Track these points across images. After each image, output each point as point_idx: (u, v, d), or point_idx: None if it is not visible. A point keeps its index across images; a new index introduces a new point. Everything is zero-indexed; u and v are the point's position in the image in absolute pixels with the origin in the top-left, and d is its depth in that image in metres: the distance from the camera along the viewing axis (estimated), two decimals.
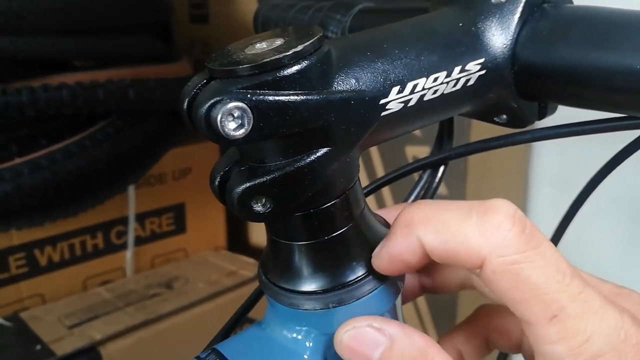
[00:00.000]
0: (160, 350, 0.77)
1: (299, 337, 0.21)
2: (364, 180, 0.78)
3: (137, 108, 0.74)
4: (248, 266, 0.92)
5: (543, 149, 0.80)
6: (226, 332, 0.26)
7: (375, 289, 0.20)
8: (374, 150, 0.77)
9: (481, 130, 0.61)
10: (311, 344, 0.21)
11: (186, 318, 0.81)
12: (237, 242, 1.08)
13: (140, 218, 0.92)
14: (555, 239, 0.29)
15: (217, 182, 0.19)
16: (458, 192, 0.73)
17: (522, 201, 0.82)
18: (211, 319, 0.83)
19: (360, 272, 0.20)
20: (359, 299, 0.20)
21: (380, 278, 0.21)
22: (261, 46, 0.18)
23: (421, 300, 0.77)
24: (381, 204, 0.78)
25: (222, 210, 1.02)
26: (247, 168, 0.19)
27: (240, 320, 0.26)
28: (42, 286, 0.83)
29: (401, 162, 0.80)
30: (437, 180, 0.26)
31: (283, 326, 0.21)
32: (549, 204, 0.81)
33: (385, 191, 0.78)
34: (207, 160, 0.97)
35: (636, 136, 0.23)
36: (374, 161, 0.78)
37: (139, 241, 0.92)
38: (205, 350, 0.22)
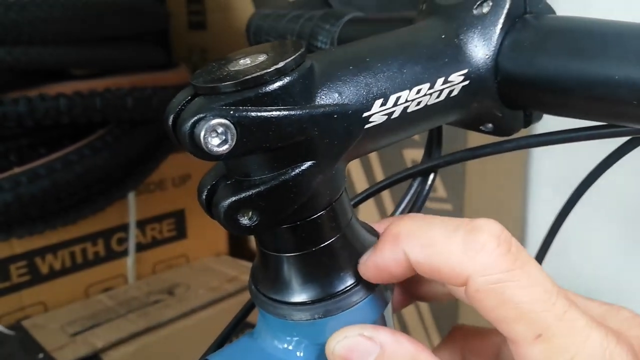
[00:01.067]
0: (162, 357, 0.78)
1: (290, 347, 0.21)
2: (362, 184, 0.78)
3: (135, 116, 0.74)
4: (249, 271, 0.92)
5: (542, 150, 0.80)
6: (222, 341, 0.26)
7: (364, 299, 0.21)
8: (373, 154, 0.77)
9: (478, 134, 0.61)
10: (302, 354, 0.21)
11: (188, 324, 0.81)
12: (238, 247, 1.08)
13: (141, 224, 0.92)
14: (548, 240, 0.30)
15: (204, 196, 0.19)
16: (456, 194, 0.74)
17: (521, 202, 0.82)
18: (213, 324, 0.83)
19: (348, 282, 0.21)
20: (347, 309, 0.20)
21: (369, 288, 0.21)
22: (245, 62, 0.18)
23: (423, 305, 0.77)
24: (381, 208, 0.79)
25: None
26: (233, 182, 0.19)
27: (235, 329, 0.26)
28: (43, 294, 0.83)
29: (400, 166, 0.80)
30: (427, 187, 0.26)
31: (274, 336, 0.22)
32: (549, 205, 0.81)
33: (386, 195, 0.78)
34: (206, 166, 0.96)
35: (623, 142, 0.23)
36: (373, 165, 0.78)
37: (140, 247, 0.92)
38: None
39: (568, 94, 0.20)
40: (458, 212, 0.74)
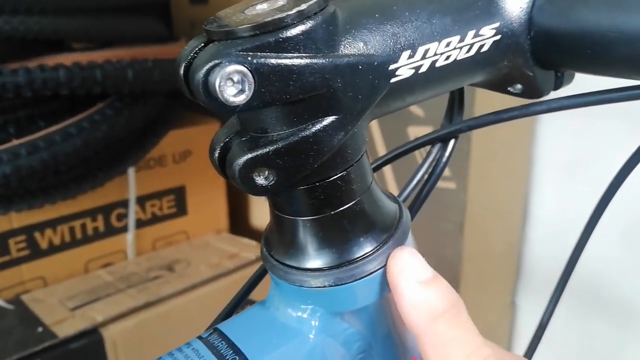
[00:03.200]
0: (162, 332, 0.77)
1: (304, 315, 0.20)
2: None
3: (136, 89, 0.72)
4: (250, 248, 0.91)
5: (548, 131, 0.79)
6: (228, 313, 0.25)
7: (381, 267, 0.19)
8: (375, 131, 0.76)
9: (484, 104, 0.60)
10: (317, 323, 0.20)
11: (188, 300, 0.80)
12: (239, 224, 1.07)
13: (141, 201, 0.91)
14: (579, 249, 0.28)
15: (217, 154, 0.18)
16: (461, 173, 0.73)
17: (525, 182, 0.81)
18: (213, 301, 0.82)
19: (366, 249, 0.19)
20: (363, 277, 0.19)
21: (384, 257, 0.20)
22: (262, 7, 0.17)
23: None
24: (383, 184, 0.77)
25: (224, 193, 1.01)
26: (249, 138, 0.18)
27: (242, 300, 0.25)
28: (43, 269, 0.83)
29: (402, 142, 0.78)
30: (447, 154, 0.25)
31: (287, 304, 0.20)
32: (553, 185, 0.80)
33: (387, 171, 0.77)
34: (207, 142, 0.95)
35: None
36: (376, 142, 0.77)
37: (140, 224, 0.91)
38: (208, 330, 0.21)
39: (609, 49, 0.18)
40: (461, 191, 0.73)
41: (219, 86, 0.15)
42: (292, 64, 0.16)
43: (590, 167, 0.71)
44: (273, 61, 0.16)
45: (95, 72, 0.66)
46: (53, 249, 0.83)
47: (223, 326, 0.21)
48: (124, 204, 0.89)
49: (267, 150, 0.17)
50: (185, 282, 0.82)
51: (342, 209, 0.19)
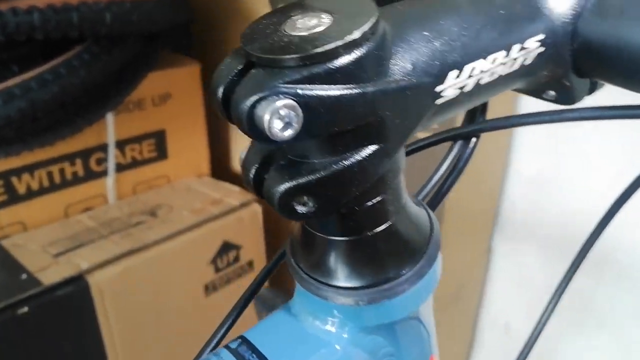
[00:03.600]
0: (147, 279, 0.78)
1: (332, 328, 0.20)
2: None
3: (114, 32, 0.68)
4: (233, 194, 0.91)
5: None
6: (237, 316, 0.25)
7: (409, 289, 0.19)
8: None
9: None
10: (345, 335, 0.20)
11: (172, 246, 0.80)
12: (220, 168, 1.06)
13: (120, 145, 0.89)
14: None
15: (251, 176, 0.17)
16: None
17: (507, 142, 0.82)
18: (197, 247, 0.83)
19: (401, 268, 0.19)
20: (392, 297, 0.19)
21: (415, 279, 0.20)
22: (305, 23, 0.15)
23: None
24: None
25: (205, 137, 0.99)
26: (288, 163, 0.17)
27: (249, 301, 0.25)
28: (22, 214, 0.81)
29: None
30: (467, 152, 0.24)
31: (315, 316, 0.20)
32: (534, 144, 0.81)
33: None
34: (187, 84, 0.93)
35: None
36: None
37: (120, 168, 0.89)
38: (235, 339, 0.21)
39: None
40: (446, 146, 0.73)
41: (268, 121, 0.14)
42: (343, 95, 0.15)
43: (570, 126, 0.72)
44: (323, 93, 0.14)
45: (72, 15, 0.62)
46: (31, 194, 0.81)
47: (250, 335, 0.21)
48: (103, 148, 0.87)
49: (310, 179, 0.16)
50: (169, 228, 0.82)
51: (377, 230, 0.18)
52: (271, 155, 0.17)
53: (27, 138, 0.69)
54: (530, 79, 0.20)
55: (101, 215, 0.87)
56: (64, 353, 0.72)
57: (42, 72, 0.64)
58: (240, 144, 1.04)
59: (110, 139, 0.87)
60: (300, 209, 0.16)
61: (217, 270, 0.85)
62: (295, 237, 0.21)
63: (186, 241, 0.81)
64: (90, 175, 0.86)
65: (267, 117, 0.14)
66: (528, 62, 0.19)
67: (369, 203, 0.18)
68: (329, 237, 0.19)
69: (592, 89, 0.21)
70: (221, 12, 0.96)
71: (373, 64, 0.15)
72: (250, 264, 0.89)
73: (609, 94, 0.22)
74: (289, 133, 0.14)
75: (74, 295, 0.71)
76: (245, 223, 0.88)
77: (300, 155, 0.17)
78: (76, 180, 0.85)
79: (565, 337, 0.74)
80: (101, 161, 0.87)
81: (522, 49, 0.18)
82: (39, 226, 0.83)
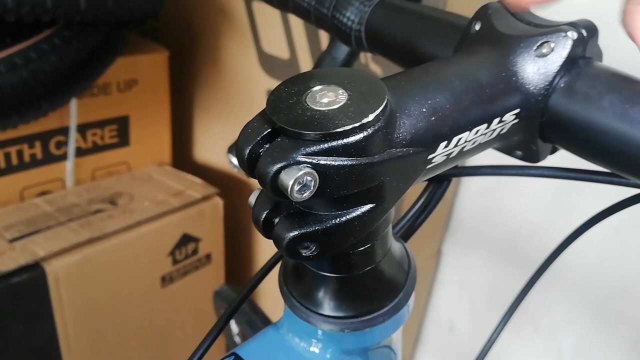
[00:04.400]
0: (105, 268, 0.78)
1: (317, 350, 0.23)
2: None
3: (87, 18, 0.68)
4: (195, 186, 0.91)
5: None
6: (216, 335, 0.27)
7: (388, 319, 0.22)
8: None
9: None
10: (328, 356, 0.23)
11: (132, 237, 0.80)
12: (181, 157, 1.06)
13: (82, 129, 0.88)
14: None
15: (261, 221, 0.19)
16: None
17: (448, 207, 0.87)
18: (157, 238, 0.83)
19: (383, 301, 0.22)
20: (373, 326, 0.22)
21: (394, 310, 0.22)
22: (324, 100, 0.18)
23: None
24: None
25: (168, 125, 0.99)
26: (296, 213, 0.19)
27: (224, 327, 0.27)
28: None
29: None
30: (439, 193, 0.27)
31: (301, 338, 0.23)
32: (474, 212, 0.86)
33: None
34: (154, 71, 0.93)
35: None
36: None
37: (80, 152, 0.88)
38: (226, 356, 0.23)
39: (608, 148, 0.21)
40: None
41: (291, 186, 0.16)
42: (354, 165, 0.17)
43: None
44: (338, 164, 0.17)
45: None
46: None
47: (241, 351, 0.23)
48: (64, 131, 0.85)
49: (317, 228, 0.18)
50: (130, 218, 0.82)
51: (365, 270, 0.21)
52: (280, 203, 0.20)
53: None
54: (502, 143, 0.23)
55: (59, 200, 0.86)
56: (15, 340, 0.71)
57: (11, 55, 0.62)
58: (202, 135, 1.04)
59: (73, 122, 0.86)
60: (304, 252, 0.19)
61: (175, 262, 0.86)
62: (288, 267, 0.23)
63: (146, 232, 0.82)
64: (49, 159, 0.85)
65: (290, 182, 0.16)
66: (504, 131, 0.22)
67: (361, 248, 0.20)
68: (321, 273, 0.21)
69: (553, 151, 0.25)
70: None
71: (381, 139, 0.18)
72: (208, 257, 0.91)
73: (565, 155, 0.25)
74: (305, 195, 0.17)
75: (30, 283, 0.71)
76: (206, 216, 0.89)
77: (308, 207, 0.19)
78: (34, 162, 0.84)
79: (502, 341, 0.79)
80: (61, 144, 0.86)
81: (501, 121, 0.21)
82: None
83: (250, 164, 0.18)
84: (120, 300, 0.81)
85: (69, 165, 0.89)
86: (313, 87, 0.18)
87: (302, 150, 0.17)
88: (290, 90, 0.18)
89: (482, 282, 0.89)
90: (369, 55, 0.70)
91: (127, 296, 0.82)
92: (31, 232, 0.77)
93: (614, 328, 0.73)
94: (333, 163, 0.17)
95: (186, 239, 0.88)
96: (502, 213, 0.84)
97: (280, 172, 0.17)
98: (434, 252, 0.95)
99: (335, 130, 0.17)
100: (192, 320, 0.92)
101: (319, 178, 0.17)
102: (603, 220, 0.28)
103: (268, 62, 0.85)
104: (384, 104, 0.17)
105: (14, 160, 0.82)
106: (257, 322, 0.52)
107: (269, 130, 0.18)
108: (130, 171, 0.96)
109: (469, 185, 0.88)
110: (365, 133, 0.17)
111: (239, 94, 0.93)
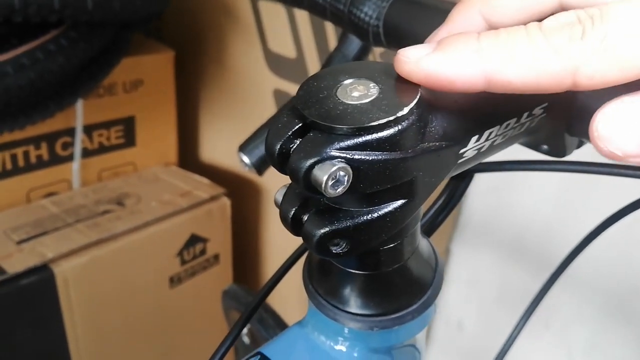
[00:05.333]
0: (113, 269, 0.78)
1: (343, 348, 0.22)
2: None
3: (94, 19, 0.67)
4: (202, 186, 0.91)
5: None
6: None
7: (416, 317, 0.22)
8: None
9: None
10: (355, 355, 0.22)
11: (140, 237, 0.80)
12: (188, 157, 1.06)
13: (88, 130, 0.87)
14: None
15: (290, 218, 0.19)
16: None
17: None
18: (165, 239, 0.83)
19: (411, 299, 0.22)
20: (401, 324, 0.22)
21: (422, 308, 0.22)
22: (353, 91, 0.18)
23: None
24: None
25: (174, 125, 0.99)
26: (326, 209, 0.19)
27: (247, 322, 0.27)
28: None
29: None
30: (461, 189, 0.27)
31: (327, 336, 0.23)
32: (483, 210, 0.85)
33: None
34: (159, 72, 0.92)
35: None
36: None
37: (86, 153, 0.88)
38: (253, 355, 0.23)
39: None
40: None
41: (325, 182, 0.16)
42: (387, 160, 0.17)
43: None
44: (372, 158, 0.17)
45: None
46: None
47: (267, 350, 0.23)
48: (70, 132, 0.85)
49: (348, 225, 0.18)
50: (138, 219, 0.81)
51: (394, 267, 0.21)
52: (308, 199, 0.19)
53: None
54: (529, 137, 0.23)
55: (66, 201, 0.86)
56: (24, 342, 0.71)
57: (18, 55, 0.62)
58: (208, 135, 1.04)
59: (79, 123, 0.86)
60: (335, 249, 0.19)
61: (183, 262, 0.86)
62: (314, 264, 0.23)
63: (154, 233, 0.81)
64: (55, 160, 0.85)
65: (324, 178, 0.16)
66: (532, 125, 0.21)
67: (391, 245, 0.20)
68: (349, 270, 0.21)
69: (579, 145, 0.24)
70: None
71: (415, 133, 0.17)
72: (216, 257, 0.90)
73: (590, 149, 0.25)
74: (339, 190, 0.17)
75: (39, 285, 0.70)
76: (214, 216, 0.89)
77: (338, 203, 0.19)
78: (40, 164, 0.84)
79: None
80: (67, 145, 0.86)
81: (530, 115, 0.21)
82: (0, 210, 0.81)
83: (281, 160, 0.17)
84: (128, 302, 0.81)
85: (75, 166, 0.88)
86: (343, 81, 0.18)
87: (335, 144, 0.16)
88: (319, 85, 0.18)
89: (491, 281, 0.89)
90: (377, 52, 0.70)
91: (136, 297, 0.82)
92: (39, 234, 0.77)
93: (624, 326, 0.73)
94: (367, 158, 0.16)
95: (194, 240, 0.88)
96: (512, 211, 0.83)
97: (314, 167, 0.16)
98: (442, 251, 0.95)
99: (370, 124, 0.16)
100: (201, 321, 0.92)
101: (353, 173, 0.17)
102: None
103: (275, 61, 0.85)
104: (418, 97, 0.17)
105: (21, 162, 0.82)
106: (268, 319, 0.52)
107: (300, 125, 0.17)
108: (137, 172, 0.96)
109: (478, 183, 0.87)
110: (400, 127, 0.17)
111: (245, 93, 0.93)
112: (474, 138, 0.19)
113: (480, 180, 0.88)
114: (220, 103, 0.99)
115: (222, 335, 0.26)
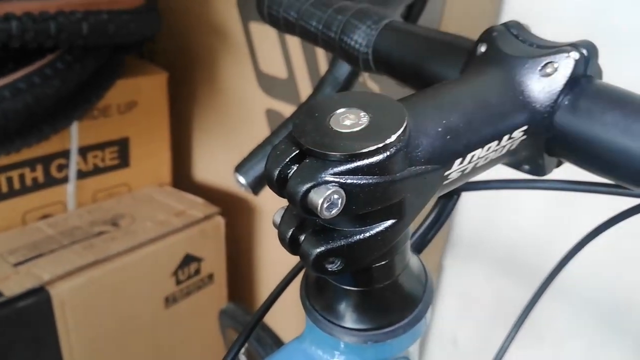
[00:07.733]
0: (109, 290, 0.78)
1: None
2: None
3: (89, 43, 0.69)
4: (196, 206, 0.92)
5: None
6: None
7: (408, 331, 0.23)
8: None
9: None
10: None
11: (136, 258, 0.81)
12: (182, 177, 1.07)
13: (83, 151, 0.88)
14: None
15: (288, 239, 0.20)
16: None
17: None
18: (160, 259, 0.83)
19: (403, 313, 0.23)
20: (394, 337, 0.23)
21: (414, 322, 0.23)
22: (345, 120, 0.19)
23: None
24: None
25: (168, 146, 1.00)
26: (321, 229, 0.20)
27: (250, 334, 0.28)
28: None
29: None
30: (449, 207, 0.28)
31: (324, 350, 0.24)
32: (475, 225, 0.87)
33: None
34: (153, 93, 0.94)
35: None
36: None
37: (81, 175, 0.89)
38: None
39: (610, 162, 0.22)
40: None
41: (320, 205, 0.17)
42: (378, 183, 0.18)
43: None
44: (364, 182, 0.18)
45: (49, 24, 0.62)
46: None
47: None
48: (65, 154, 0.86)
49: (342, 244, 0.19)
50: (132, 239, 0.82)
51: (386, 283, 0.22)
52: (305, 221, 0.20)
53: None
54: (510, 158, 0.24)
55: (61, 223, 0.86)
56: None
57: (15, 81, 0.63)
58: (201, 155, 1.05)
59: (74, 145, 0.87)
60: (330, 267, 0.20)
61: (178, 282, 0.86)
62: (310, 281, 0.24)
63: (149, 253, 0.82)
64: (50, 182, 0.86)
65: (320, 201, 0.17)
66: (513, 147, 0.23)
67: (383, 262, 0.21)
68: (344, 287, 0.22)
69: (558, 164, 0.26)
70: (188, 21, 0.97)
71: (402, 158, 0.19)
72: (210, 276, 0.91)
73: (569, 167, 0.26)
74: (333, 212, 0.18)
75: (35, 307, 0.71)
76: (208, 236, 0.89)
77: (333, 224, 0.20)
78: (35, 186, 0.84)
79: (507, 350, 0.80)
80: (62, 167, 0.87)
81: (510, 137, 0.22)
82: None
83: (279, 184, 0.19)
84: (124, 322, 0.81)
85: (70, 187, 0.89)
86: (336, 110, 0.19)
87: (329, 170, 0.18)
88: (314, 114, 0.19)
89: (484, 295, 0.90)
90: (366, 74, 0.72)
91: (132, 318, 0.82)
92: (35, 256, 0.77)
93: (620, 339, 0.74)
94: (359, 182, 0.18)
95: (189, 259, 0.89)
96: (502, 226, 0.85)
97: (310, 191, 0.18)
98: (435, 267, 0.96)
99: (361, 151, 0.18)
100: (196, 340, 0.92)
101: (346, 196, 0.18)
102: (605, 232, 0.29)
103: (266, 82, 0.87)
104: (404, 125, 0.18)
105: (16, 184, 0.83)
106: (266, 338, 0.53)
107: (297, 152, 0.19)
108: (131, 192, 0.97)
109: (468, 199, 0.89)
110: (388, 153, 0.18)
111: (238, 114, 0.94)
112: (458, 161, 0.21)
113: (471, 197, 0.89)
114: (214, 123, 1.00)
115: (217, 353, 0.27)
